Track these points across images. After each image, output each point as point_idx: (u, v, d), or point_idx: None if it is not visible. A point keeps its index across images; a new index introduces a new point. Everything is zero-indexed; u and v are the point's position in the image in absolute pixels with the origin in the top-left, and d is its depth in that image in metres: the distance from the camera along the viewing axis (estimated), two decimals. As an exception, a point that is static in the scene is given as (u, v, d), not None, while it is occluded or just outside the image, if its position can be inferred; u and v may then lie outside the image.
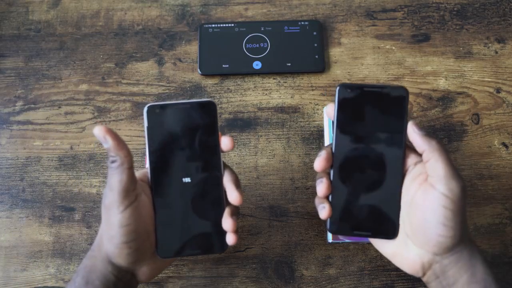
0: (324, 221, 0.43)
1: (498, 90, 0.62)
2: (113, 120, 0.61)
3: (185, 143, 0.42)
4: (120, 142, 0.39)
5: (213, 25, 0.65)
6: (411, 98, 0.61)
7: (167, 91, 0.62)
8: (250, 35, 0.64)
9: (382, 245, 0.44)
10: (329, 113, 0.44)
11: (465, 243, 0.40)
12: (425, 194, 0.40)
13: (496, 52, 0.64)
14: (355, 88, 0.42)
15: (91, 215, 0.56)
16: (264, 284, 0.53)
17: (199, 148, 0.43)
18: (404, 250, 0.42)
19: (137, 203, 0.40)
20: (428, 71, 0.63)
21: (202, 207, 0.43)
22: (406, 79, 0.62)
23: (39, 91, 0.62)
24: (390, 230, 0.43)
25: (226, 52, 0.63)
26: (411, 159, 0.42)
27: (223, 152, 0.43)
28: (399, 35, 0.65)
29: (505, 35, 0.65)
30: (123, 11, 0.67)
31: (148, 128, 0.42)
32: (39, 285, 0.53)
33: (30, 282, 0.53)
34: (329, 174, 0.43)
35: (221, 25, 0.65)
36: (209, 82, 0.63)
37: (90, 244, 0.55)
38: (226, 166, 0.44)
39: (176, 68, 0.63)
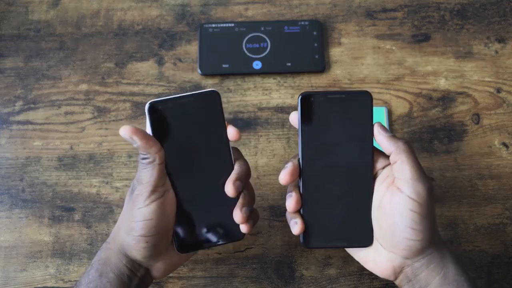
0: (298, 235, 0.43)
1: (499, 90, 0.62)
2: (113, 120, 0.61)
3: (192, 137, 0.42)
4: (148, 139, 0.39)
5: (213, 25, 0.65)
6: (411, 98, 0.61)
7: (167, 91, 0.62)
8: (250, 35, 0.64)
9: (353, 250, 0.44)
10: (293, 121, 0.43)
11: (435, 245, 0.40)
12: (392, 198, 0.39)
13: (497, 52, 0.64)
14: (317, 96, 0.41)
15: (91, 215, 0.56)
16: (264, 284, 0.53)
17: (207, 140, 0.42)
18: (375, 255, 0.42)
19: (164, 199, 0.40)
20: (428, 71, 0.63)
21: (216, 199, 0.43)
22: (406, 79, 0.62)
23: (39, 91, 0.62)
24: (365, 239, 0.42)
25: (226, 52, 0.63)
26: (379, 163, 0.42)
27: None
28: (399, 35, 0.65)
29: (506, 35, 0.64)
30: (123, 11, 0.67)
31: (152, 126, 0.41)
32: (39, 285, 0.53)
33: (29, 282, 0.53)
34: (298, 187, 0.42)
35: (221, 25, 0.65)
36: (209, 82, 0.63)
37: (90, 244, 0.55)
38: (240, 158, 0.44)
39: (176, 68, 0.63)
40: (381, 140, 0.40)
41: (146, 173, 0.39)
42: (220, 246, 0.49)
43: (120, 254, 0.41)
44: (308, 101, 0.41)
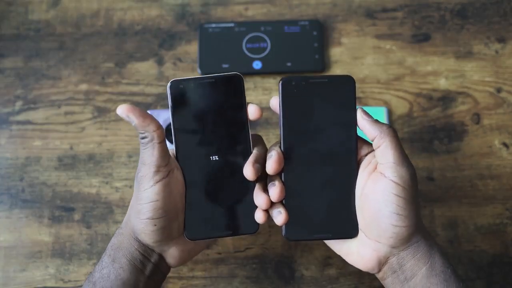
0: (280, 227, 0.41)
1: (499, 90, 0.62)
2: (113, 120, 0.61)
3: (212, 120, 0.41)
4: (146, 117, 0.38)
5: (213, 25, 0.65)
6: (411, 98, 0.61)
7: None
8: (250, 35, 0.64)
9: (335, 243, 0.42)
10: (274, 106, 0.41)
11: (421, 234, 0.39)
12: (375, 184, 0.38)
13: (497, 52, 0.64)
14: (299, 81, 0.40)
15: (90, 215, 0.56)
16: (264, 284, 0.53)
17: (227, 124, 0.41)
18: (359, 246, 0.40)
19: (169, 179, 0.39)
20: (428, 71, 0.63)
21: (231, 186, 0.41)
22: (407, 79, 0.62)
23: (38, 91, 0.62)
24: (350, 229, 0.40)
25: (226, 52, 0.63)
26: (363, 150, 0.40)
27: (250, 121, 0.41)
28: (399, 35, 0.65)
29: (506, 35, 0.64)
30: (123, 11, 0.67)
31: (172, 104, 0.40)
32: (39, 285, 0.53)
33: (29, 283, 0.53)
34: (280, 175, 0.41)
35: (221, 25, 0.65)
36: (209, 82, 0.63)
37: (90, 244, 0.55)
38: (260, 143, 0.42)
39: (176, 68, 0.63)
40: (364, 125, 0.39)
41: (147, 153, 0.39)
42: (228, 238, 0.47)
43: (132, 238, 0.41)
44: (289, 86, 0.40)
